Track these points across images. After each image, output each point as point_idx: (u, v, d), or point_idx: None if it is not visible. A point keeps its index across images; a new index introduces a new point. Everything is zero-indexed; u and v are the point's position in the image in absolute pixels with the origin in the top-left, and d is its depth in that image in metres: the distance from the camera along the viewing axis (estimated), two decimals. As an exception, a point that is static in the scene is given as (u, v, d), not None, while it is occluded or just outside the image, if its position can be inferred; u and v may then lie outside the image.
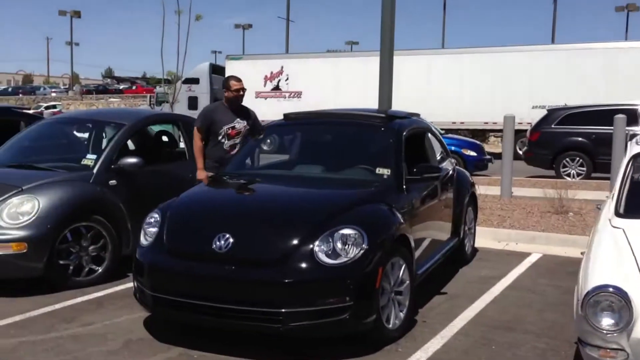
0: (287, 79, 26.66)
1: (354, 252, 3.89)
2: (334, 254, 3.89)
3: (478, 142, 15.37)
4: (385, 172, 4.81)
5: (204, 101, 28.78)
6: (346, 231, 3.95)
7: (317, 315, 3.81)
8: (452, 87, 21.54)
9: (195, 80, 29.01)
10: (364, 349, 4.05)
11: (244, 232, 4.05)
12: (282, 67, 26.84)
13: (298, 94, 26.42)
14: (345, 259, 3.87)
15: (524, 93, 20.41)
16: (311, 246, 3.90)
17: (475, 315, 4.78)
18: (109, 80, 77.19)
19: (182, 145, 7.00)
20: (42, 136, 6.80)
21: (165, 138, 7.07)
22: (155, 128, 7.37)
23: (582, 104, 14.47)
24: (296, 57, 27.57)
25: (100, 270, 5.55)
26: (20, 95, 53.13)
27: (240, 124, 5.98)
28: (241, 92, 6.01)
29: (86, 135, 6.70)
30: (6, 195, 5.22)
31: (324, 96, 24.62)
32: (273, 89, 26.91)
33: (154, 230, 4.34)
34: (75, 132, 6.94)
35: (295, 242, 3.92)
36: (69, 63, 62.90)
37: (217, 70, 28.90)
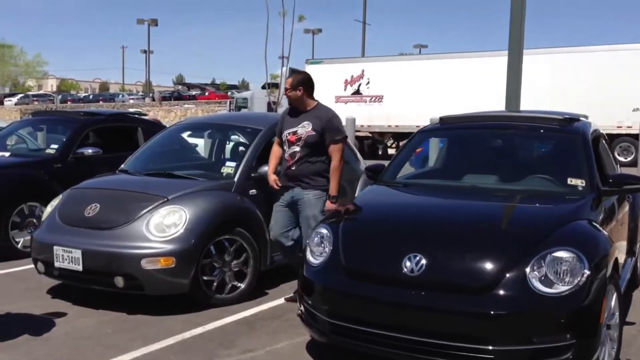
0: (368, 82, 26.12)
1: (574, 278, 3.31)
2: (548, 280, 3.32)
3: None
4: (579, 183, 4.20)
5: (284, 106, 28.75)
6: (562, 254, 3.38)
7: (533, 355, 3.25)
8: (539, 90, 20.31)
9: (275, 85, 28.95)
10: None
11: (439, 253, 3.53)
12: (362, 71, 26.33)
13: (379, 98, 25.85)
14: (565, 287, 3.30)
15: (621, 95, 19.00)
16: (523, 272, 3.34)
17: (688, 351, 4.10)
18: (179, 86, 78.95)
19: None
20: (173, 142, 6.53)
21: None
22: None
23: None
24: (377, 61, 27.02)
25: (242, 287, 5.17)
26: (101, 102, 54.85)
27: (304, 129, 4.93)
28: (285, 92, 5.03)
29: (217, 141, 6.38)
30: (152, 206, 4.91)
31: (406, 100, 24.06)
32: (353, 93, 26.41)
33: (324, 248, 3.89)
34: (206, 138, 6.62)
35: (502, 266, 3.38)
36: (141, 70, 64.43)
37: (296, 75, 28.75)
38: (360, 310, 3.58)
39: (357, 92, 26.39)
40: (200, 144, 7.31)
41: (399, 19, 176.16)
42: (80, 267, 4.80)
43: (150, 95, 60.47)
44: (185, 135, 6.86)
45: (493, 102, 20.54)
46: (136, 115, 8.90)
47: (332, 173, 4.90)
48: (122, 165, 6.03)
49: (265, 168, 5.43)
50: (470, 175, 4.72)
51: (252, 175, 5.45)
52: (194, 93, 68.03)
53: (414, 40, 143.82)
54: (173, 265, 4.70)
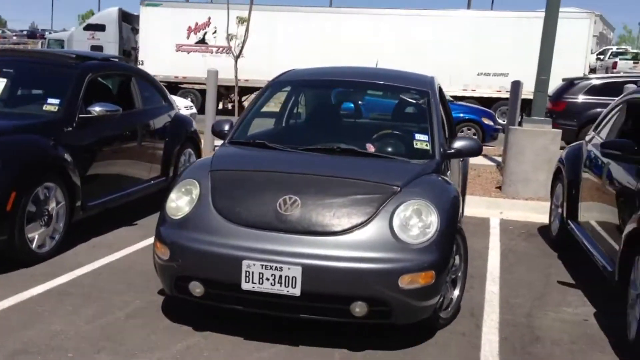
0: (215, 32, 24.05)
1: None
2: None
3: (491, 111, 14.78)
4: None
5: (110, 51, 25.15)
6: None
7: None
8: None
9: (100, 27, 25.28)
10: None
11: None
12: (209, 19, 24.15)
13: (227, 49, 24.03)
14: None
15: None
16: None
17: None
18: None
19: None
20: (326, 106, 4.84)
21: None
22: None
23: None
24: (226, 9, 24.92)
25: (458, 295, 3.95)
26: None
27: None
28: None
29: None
30: (387, 200, 3.45)
31: (258, 53, 22.65)
32: (198, 42, 24.15)
33: None
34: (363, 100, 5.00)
35: None
36: None
37: (127, 17, 25.37)
38: None
39: (202, 42, 24.12)
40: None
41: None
42: (297, 291, 3.22)
43: None
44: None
45: (351, 57, 20.32)
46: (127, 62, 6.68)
47: None
48: (236, 134, 4.29)
49: (463, 143, 4.26)
50: None
51: (447, 152, 4.23)
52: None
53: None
54: (432, 282, 3.39)
